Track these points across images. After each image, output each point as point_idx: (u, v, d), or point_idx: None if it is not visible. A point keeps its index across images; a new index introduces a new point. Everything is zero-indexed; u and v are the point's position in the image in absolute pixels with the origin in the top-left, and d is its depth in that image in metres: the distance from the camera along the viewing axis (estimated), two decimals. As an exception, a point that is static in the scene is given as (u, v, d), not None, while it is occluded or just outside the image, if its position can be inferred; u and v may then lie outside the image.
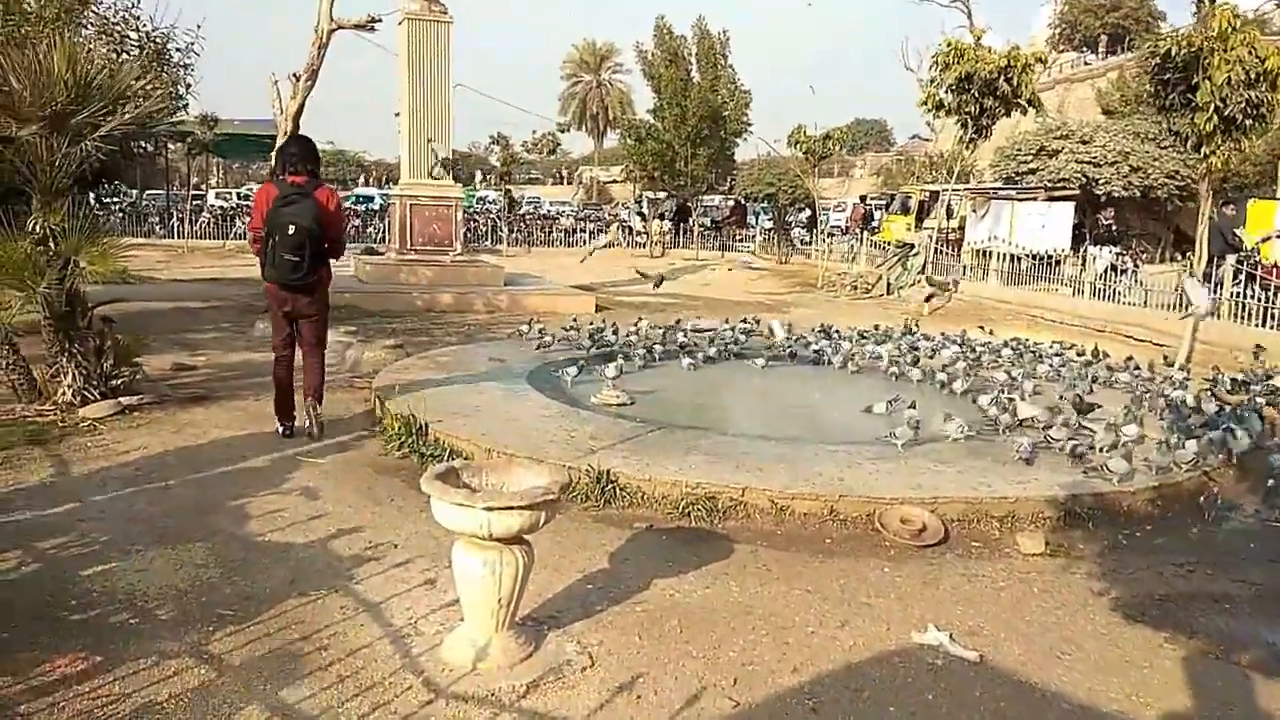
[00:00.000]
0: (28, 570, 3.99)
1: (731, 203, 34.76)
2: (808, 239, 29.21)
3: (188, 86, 12.12)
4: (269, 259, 6.03)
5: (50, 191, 6.67)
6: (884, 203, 31.69)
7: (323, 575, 4.07)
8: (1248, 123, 13.50)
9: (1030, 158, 23.49)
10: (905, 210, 26.71)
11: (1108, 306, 14.76)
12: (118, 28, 11.02)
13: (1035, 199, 20.82)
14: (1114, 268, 15.58)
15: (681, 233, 29.23)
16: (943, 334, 10.74)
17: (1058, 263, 17.50)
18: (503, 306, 14.43)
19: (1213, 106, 13.28)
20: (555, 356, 8.85)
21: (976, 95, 15.17)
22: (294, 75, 19.88)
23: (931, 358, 9.25)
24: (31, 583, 3.86)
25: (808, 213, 34.14)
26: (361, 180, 54.82)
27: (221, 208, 30.54)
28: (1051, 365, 8.96)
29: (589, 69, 69.31)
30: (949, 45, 15.90)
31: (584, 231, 29.57)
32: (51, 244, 6.58)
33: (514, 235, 28.24)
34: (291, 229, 5.92)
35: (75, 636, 3.41)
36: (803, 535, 4.79)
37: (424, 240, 15.38)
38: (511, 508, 3.11)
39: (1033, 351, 9.78)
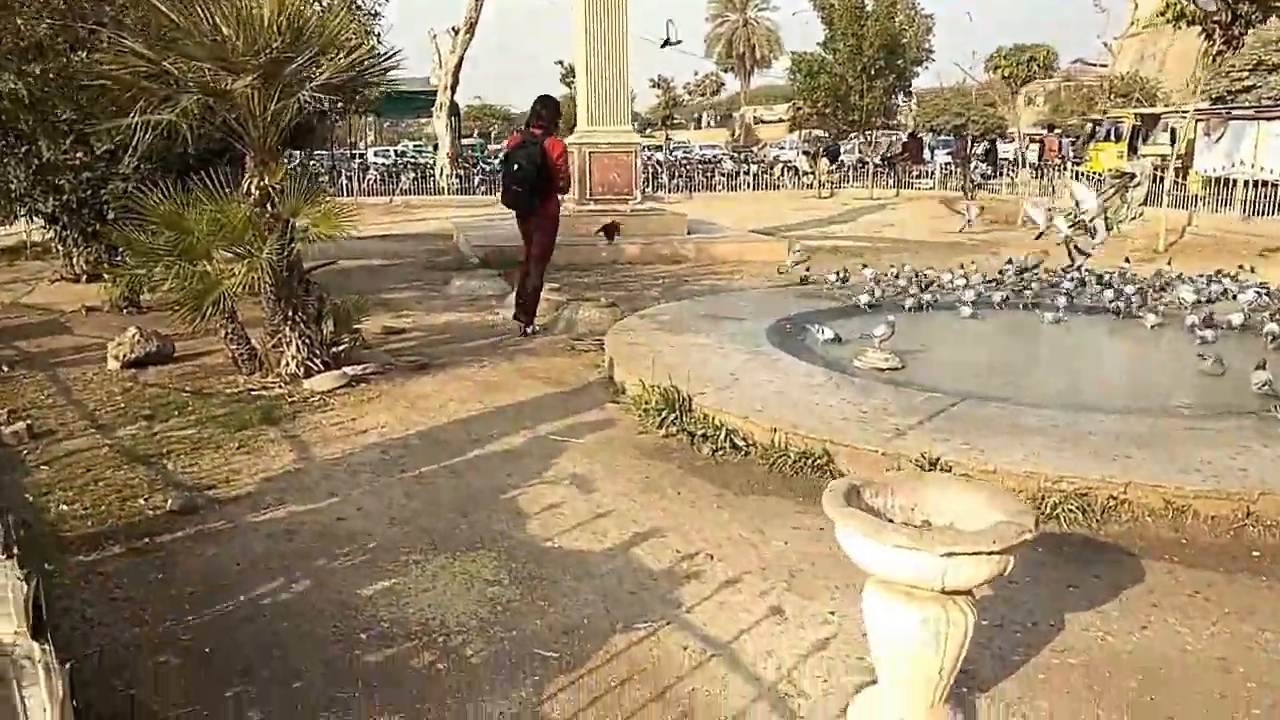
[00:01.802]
0: (298, 589, 3.39)
1: (904, 137, 32.57)
2: (989, 173, 27.09)
3: (378, 36, 11.52)
4: (503, 187, 7.96)
5: (265, 150, 6.16)
6: (1089, 130, 28.87)
7: (640, 600, 3.30)
8: None
9: (1247, 74, 20.79)
10: (1117, 137, 24.15)
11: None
12: (307, -26, 10.51)
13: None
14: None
15: (850, 172, 27.55)
16: (1216, 274, 9.06)
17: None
18: (690, 256, 13.58)
19: None
20: (787, 310, 7.91)
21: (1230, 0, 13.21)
22: (453, 29, 19.41)
23: (1213, 302, 7.79)
24: (310, 607, 3.24)
25: (985, 145, 31.82)
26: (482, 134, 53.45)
27: (384, 165, 30.71)
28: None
29: (734, 8, 66.99)
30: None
31: (747, 174, 28.30)
32: (270, 206, 6.09)
33: (674, 181, 27.27)
34: (515, 166, 7.61)
35: (376, 688, 2.75)
36: (1216, 547, 3.70)
37: (603, 189, 14.60)
38: (980, 552, 2.21)
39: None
